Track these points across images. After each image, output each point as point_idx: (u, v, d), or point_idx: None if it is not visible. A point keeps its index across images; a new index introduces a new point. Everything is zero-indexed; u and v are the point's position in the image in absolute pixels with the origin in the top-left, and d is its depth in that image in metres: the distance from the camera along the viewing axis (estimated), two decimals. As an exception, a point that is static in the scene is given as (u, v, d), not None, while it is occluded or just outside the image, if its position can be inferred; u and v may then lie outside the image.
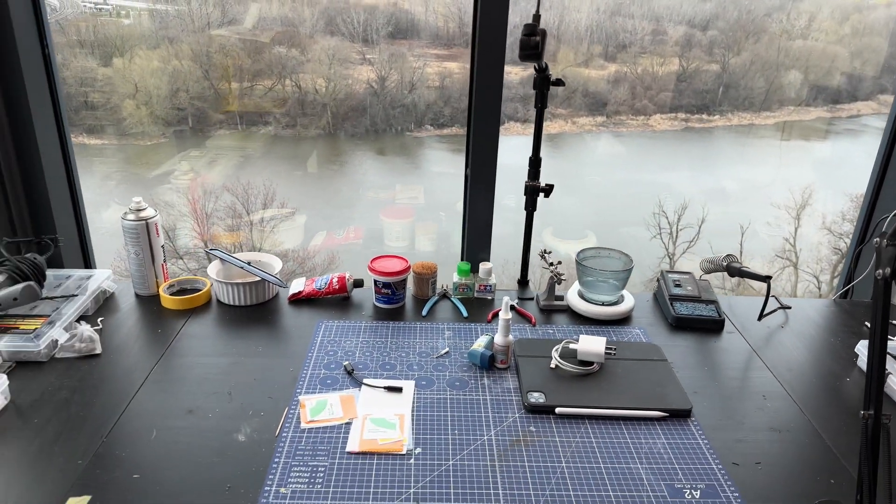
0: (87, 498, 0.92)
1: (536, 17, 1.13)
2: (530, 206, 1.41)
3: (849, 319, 1.44)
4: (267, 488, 0.94)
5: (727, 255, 1.39)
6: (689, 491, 0.96)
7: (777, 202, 7.44)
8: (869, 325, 1.28)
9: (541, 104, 1.29)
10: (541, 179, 1.38)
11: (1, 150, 1.35)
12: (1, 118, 1.35)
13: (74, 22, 8.04)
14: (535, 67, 1.23)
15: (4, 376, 1.09)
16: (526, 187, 1.38)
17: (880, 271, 0.86)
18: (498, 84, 1.39)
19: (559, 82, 1.26)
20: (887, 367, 1.17)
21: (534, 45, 1.11)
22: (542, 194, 1.37)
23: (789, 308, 1.44)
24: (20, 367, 1.18)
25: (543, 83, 1.25)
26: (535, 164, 1.36)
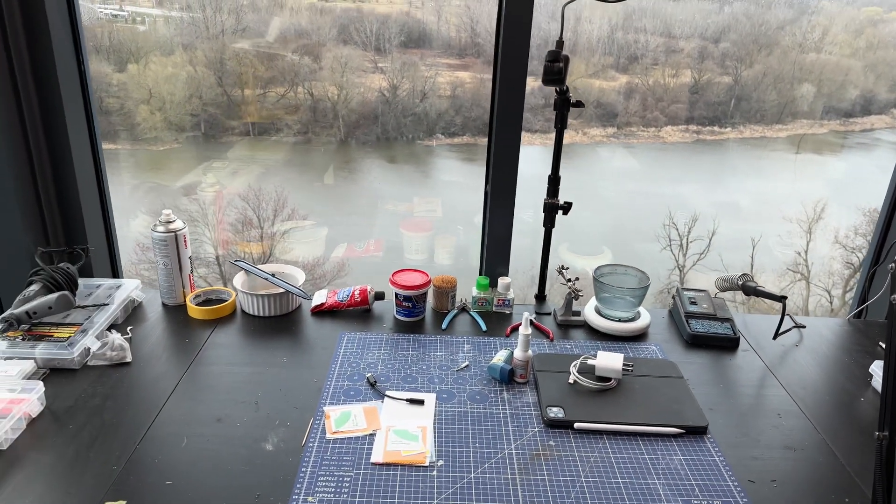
0: (122, 503, 0.96)
1: (560, 43, 1.17)
2: (549, 224, 1.45)
3: (863, 339, 1.46)
4: (295, 497, 0.97)
5: (742, 275, 1.42)
6: (705, 507, 0.99)
7: (789, 216, 7.45)
8: (883, 346, 1.31)
9: (561, 125, 1.33)
10: (559, 197, 1.42)
11: (37, 162, 1.41)
12: (38, 131, 1.40)
13: (90, 28, 8.17)
14: (556, 90, 1.27)
15: (41, 383, 1.14)
16: (545, 205, 1.41)
17: (895, 296, 0.89)
18: (520, 101, 1.43)
19: (579, 104, 1.30)
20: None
21: (557, 70, 1.15)
22: (560, 212, 1.41)
23: (804, 327, 1.47)
24: (54, 373, 1.22)
25: (564, 105, 1.30)
26: (554, 182, 1.40)
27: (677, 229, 7.50)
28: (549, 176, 1.40)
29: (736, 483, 1.03)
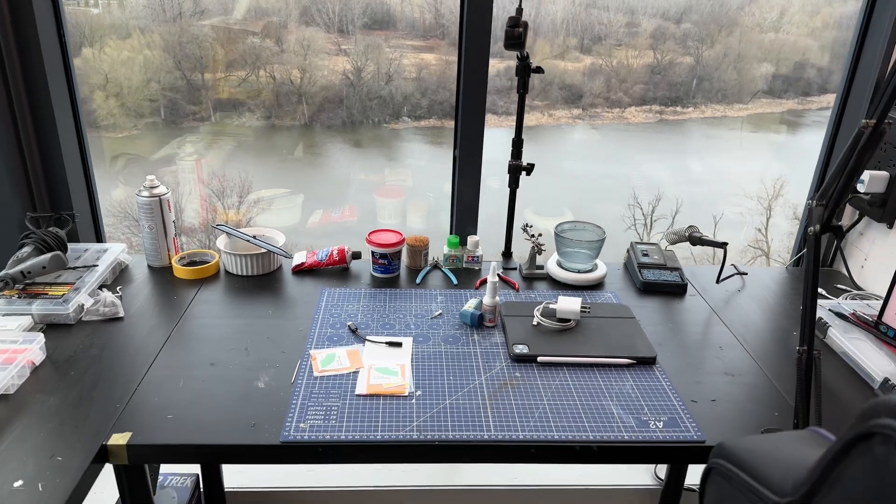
0: (128, 434, 1.07)
1: (519, 10, 1.30)
2: (513, 184, 1.58)
3: (799, 284, 1.64)
4: (288, 424, 1.09)
5: (689, 227, 1.58)
6: (653, 422, 1.14)
7: (750, 193, 7.74)
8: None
9: (523, 90, 1.47)
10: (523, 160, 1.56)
11: (23, 132, 1.49)
12: (23, 103, 1.48)
13: (41, 11, 7.99)
14: (517, 56, 1.40)
15: (41, 334, 1.24)
16: (509, 166, 1.55)
17: (811, 228, 1.05)
18: (484, 68, 1.56)
19: (539, 69, 1.43)
20: (828, 320, 1.38)
21: (517, 35, 1.28)
22: (524, 172, 1.55)
23: (746, 274, 1.64)
24: (50, 328, 1.31)
25: (525, 70, 1.43)
26: (517, 144, 1.53)
27: (641, 209, 7.76)
28: (513, 139, 1.54)
29: (680, 402, 1.19)
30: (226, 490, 1.69)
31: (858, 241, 1.66)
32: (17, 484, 0.95)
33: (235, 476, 1.76)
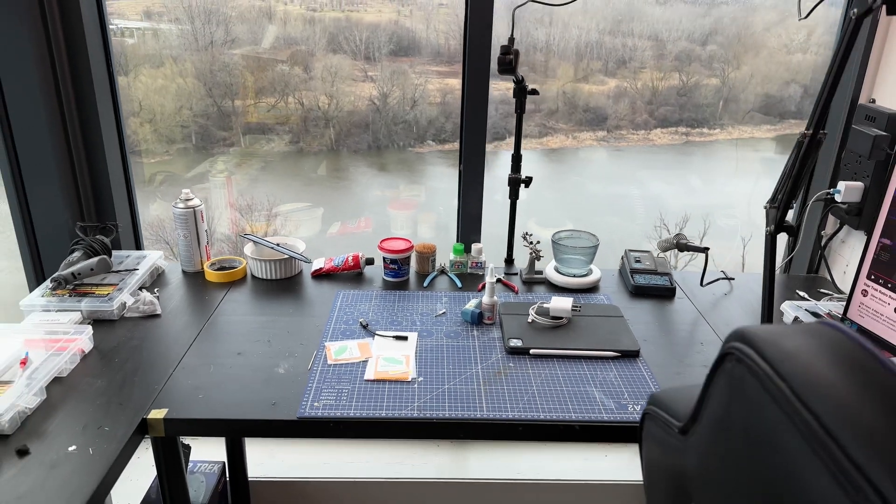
0: (165, 410, 1.25)
1: (511, 39, 1.48)
2: (514, 196, 1.75)
3: (784, 290, 1.77)
4: (304, 403, 1.27)
5: (678, 234, 1.73)
6: (631, 405, 1.28)
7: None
8: (800, 293, 1.62)
9: (520, 110, 1.64)
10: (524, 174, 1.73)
11: (74, 151, 1.71)
12: (75, 125, 1.70)
13: (80, 42, 8.48)
14: (513, 80, 1.58)
15: (89, 326, 1.43)
16: (509, 179, 1.72)
17: (767, 228, 1.20)
18: (484, 95, 1.74)
19: (534, 91, 1.61)
20: (804, 319, 1.51)
21: (508, 62, 1.46)
22: (523, 185, 1.72)
23: (732, 279, 1.77)
24: (96, 323, 1.51)
25: (521, 93, 1.61)
26: (516, 159, 1.71)
27: (668, 231, 7.82)
28: (513, 154, 1.71)
29: (658, 389, 1.33)
30: (249, 479, 1.86)
31: (840, 249, 1.78)
32: (71, 448, 1.13)
33: (258, 467, 1.93)
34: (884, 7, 0.99)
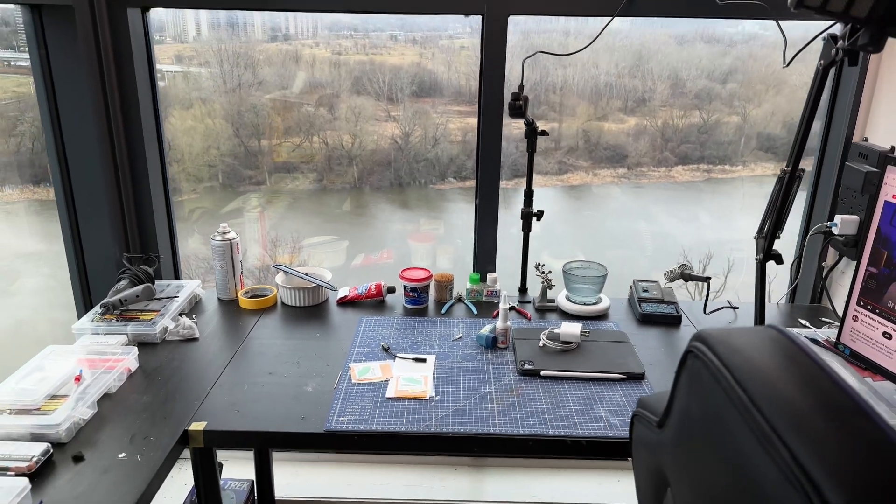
0: (204, 423, 1.38)
1: (520, 87, 1.64)
2: (527, 229, 1.89)
3: (786, 319, 1.87)
4: (330, 417, 1.39)
5: (682, 265, 1.85)
6: (635, 423, 1.39)
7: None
8: (802, 322, 1.72)
9: (531, 149, 1.79)
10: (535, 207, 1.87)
11: (123, 187, 1.89)
12: (124, 163, 1.89)
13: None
14: (524, 122, 1.73)
15: (135, 348, 1.59)
16: (522, 213, 1.86)
17: (757, 257, 1.32)
18: (497, 137, 1.89)
19: (544, 133, 1.76)
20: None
21: (518, 107, 1.61)
22: (535, 218, 1.86)
23: (737, 308, 1.88)
24: (141, 346, 1.66)
25: (532, 134, 1.76)
26: (528, 194, 1.85)
27: (692, 269, 7.83)
28: (525, 189, 1.86)
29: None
30: (276, 498, 1.98)
31: (841, 279, 1.88)
32: (121, 455, 1.27)
33: (284, 487, 2.05)
34: (846, 58, 1.12)
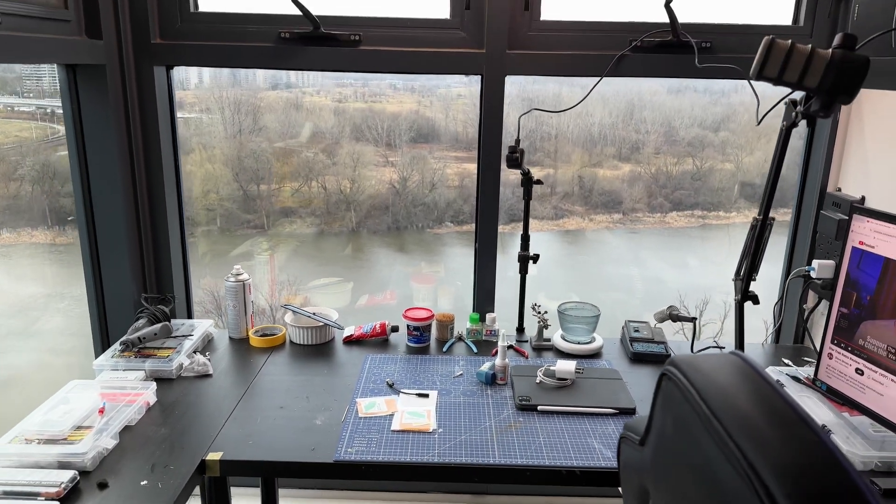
0: (220, 453, 1.49)
1: (517, 140, 1.80)
2: (523, 271, 2.02)
3: (772, 358, 1.99)
4: (339, 448, 1.50)
5: (670, 307, 1.98)
6: (626, 454, 1.50)
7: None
8: (786, 361, 1.84)
9: (527, 196, 1.94)
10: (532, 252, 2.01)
11: (143, 229, 2.03)
12: (144, 208, 2.03)
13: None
14: (520, 172, 1.89)
15: (154, 382, 1.70)
16: (519, 256, 2.00)
17: (735, 297, 1.45)
18: (496, 185, 2.05)
19: (539, 182, 1.91)
20: (784, 383, 1.73)
21: (514, 158, 1.77)
22: (531, 261, 1.99)
23: (723, 348, 2.00)
24: (158, 381, 1.77)
25: (527, 182, 1.91)
26: (525, 238, 1.99)
27: (688, 312, 7.96)
28: (522, 234, 2.00)
29: (650, 441, 1.55)
30: (281, 532, 2.06)
31: (821, 321, 2.01)
32: (143, 483, 1.37)
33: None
34: (804, 120, 1.28)
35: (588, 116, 9.15)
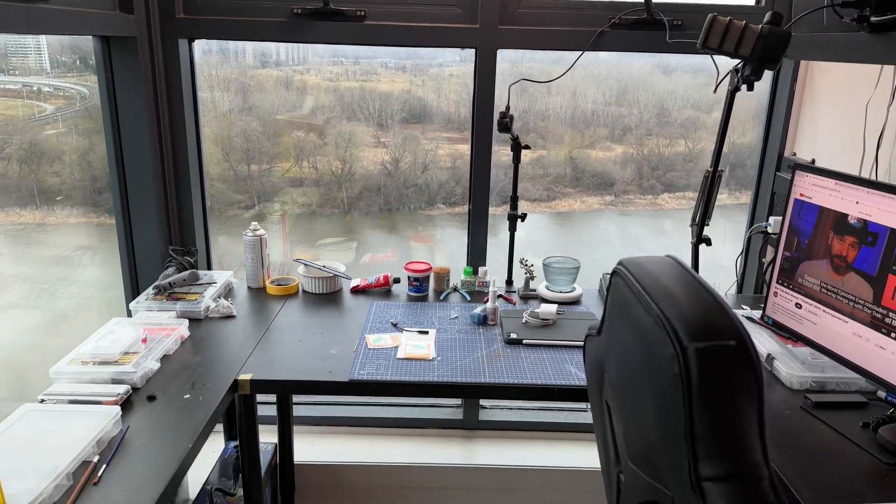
0: (250, 374, 1.79)
1: (507, 108, 2.11)
2: (512, 229, 2.34)
3: (735, 306, 2.31)
4: (353, 371, 1.81)
5: (643, 258, 2.30)
6: (598, 375, 1.82)
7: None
8: (743, 306, 2.14)
9: (516, 161, 2.26)
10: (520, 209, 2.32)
11: (168, 190, 2.32)
12: (170, 169, 2.32)
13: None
14: (510, 137, 2.20)
15: (187, 320, 2.00)
16: (508, 215, 2.31)
17: (691, 241, 1.76)
18: (488, 151, 2.36)
19: (527, 147, 2.22)
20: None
21: (504, 123, 2.08)
22: (519, 220, 2.31)
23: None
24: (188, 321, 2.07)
25: (517, 147, 2.22)
26: (514, 199, 2.30)
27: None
28: (511, 195, 2.31)
29: (620, 366, 1.86)
30: (295, 462, 2.37)
31: (777, 272, 2.34)
32: (186, 396, 1.68)
33: (302, 455, 2.45)
34: (745, 85, 1.59)
35: (581, 97, 9.44)
